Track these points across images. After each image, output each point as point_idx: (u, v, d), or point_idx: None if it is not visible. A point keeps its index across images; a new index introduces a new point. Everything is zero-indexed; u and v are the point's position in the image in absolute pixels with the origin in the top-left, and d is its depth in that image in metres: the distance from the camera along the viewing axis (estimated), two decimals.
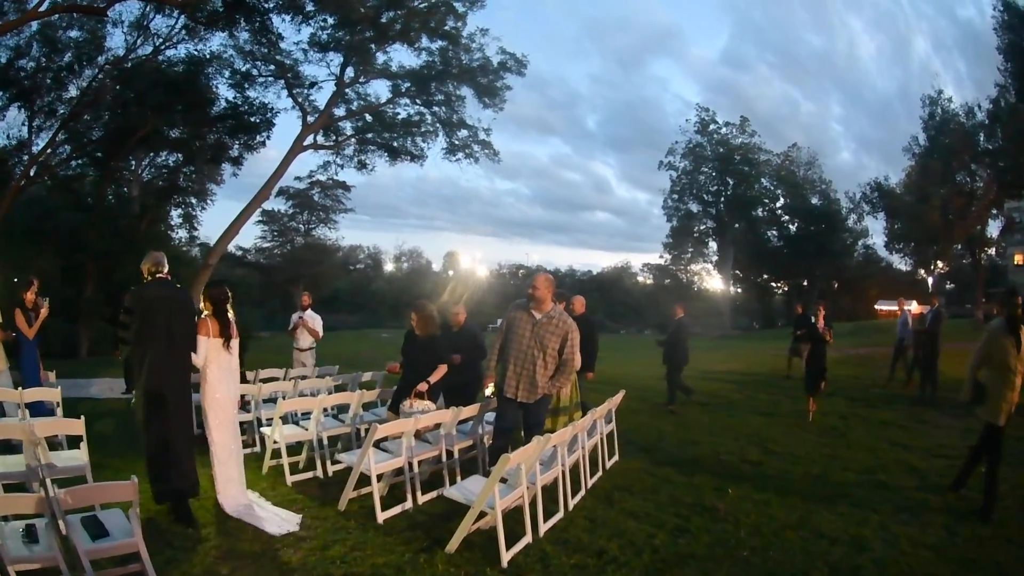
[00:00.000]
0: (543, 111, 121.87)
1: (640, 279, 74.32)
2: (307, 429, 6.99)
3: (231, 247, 34.26)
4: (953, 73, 79.56)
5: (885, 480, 7.08)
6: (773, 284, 61.71)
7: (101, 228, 25.80)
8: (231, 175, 30.77)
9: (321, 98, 27.94)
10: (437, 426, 6.36)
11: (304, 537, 5.01)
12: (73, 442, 5.92)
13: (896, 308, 15.68)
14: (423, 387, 6.68)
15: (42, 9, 19.03)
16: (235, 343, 5.64)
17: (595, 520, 5.57)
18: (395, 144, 28.73)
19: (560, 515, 5.53)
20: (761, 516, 5.77)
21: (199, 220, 37.29)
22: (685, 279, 62.61)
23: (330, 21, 24.90)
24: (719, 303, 57.71)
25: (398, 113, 28.46)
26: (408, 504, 5.67)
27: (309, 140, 27.14)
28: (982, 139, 33.48)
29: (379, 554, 4.71)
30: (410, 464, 5.80)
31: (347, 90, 27.15)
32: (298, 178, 42.50)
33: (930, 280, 44.81)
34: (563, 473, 5.68)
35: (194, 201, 35.63)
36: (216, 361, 5.48)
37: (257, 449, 7.62)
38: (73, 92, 24.15)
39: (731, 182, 54.16)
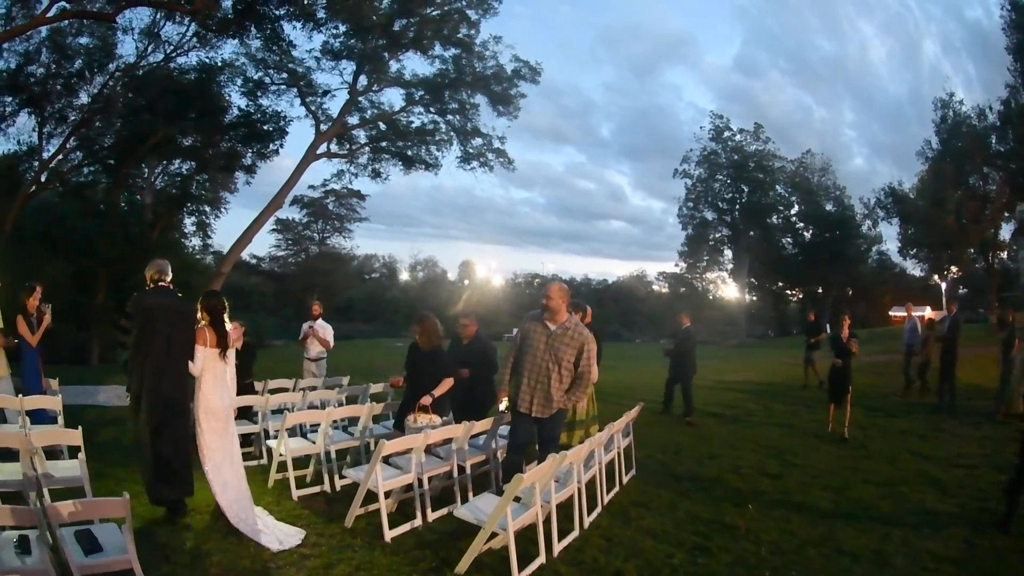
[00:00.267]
0: (557, 120, 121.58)
1: (656, 288, 74.00)
2: (315, 442, 6.81)
3: (246, 256, 34.42)
4: (963, 76, 78.79)
5: (906, 492, 6.93)
6: (788, 292, 61.30)
7: (113, 235, 25.86)
8: (244, 183, 31.01)
9: (334, 106, 28.04)
10: (448, 441, 6.13)
11: (307, 555, 4.83)
12: (75, 452, 5.78)
13: (904, 314, 15.34)
14: (426, 400, 6.41)
15: (50, 14, 19.11)
16: (231, 353, 5.65)
17: (611, 539, 5.35)
18: (409, 153, 28.79)
19: (575, 534, 5.31)
20: (782, 533, 5.60)
21: (213, 228, 37.20)
22: (701, 287, 62.27)
23: (342, 29, 24.91)
24: (734, 311, 57.33)
25: (412, 122, 28.61)
26: (417, 521, 5.47)
27: (323, 148, 27.22)
28: (994, 141, 33.36)
29: (385, 574, 4.53)
30: (420, 480, 5.60)
31: (360, 98, 27.25)
32: (312, 187, 42.71)
33: (943, 285, 44.47)
34: (579, 490, 5.46)
35: (208, 209, 35.49)
36: (211, 370, 5.47)
37: (264, 461, 7.42)
38: (84, 99, 24.36)
39: (746, 189, 53.77)
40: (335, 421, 7.33)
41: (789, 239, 57.34)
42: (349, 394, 9.57)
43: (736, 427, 10.83)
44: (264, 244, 62.64)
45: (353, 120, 27.96)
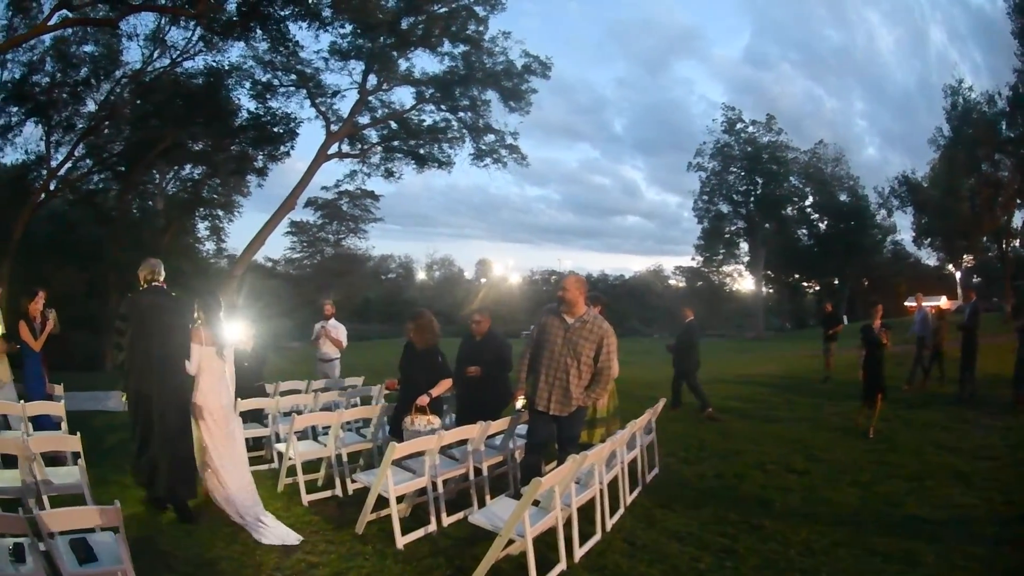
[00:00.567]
0: (570, 116, 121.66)
1: (672, 282, 73.60)
2: (326, 445, 6.59)
3: (261, 259, 34.37)
4: (970, 63, 78.54)
5: (932, 487, 6.70)
6: (804, 284, 60.88)
7: (124, 241, 25.76)
8: (256, 186, 31.06)
9: (344, 107, 27.99)
10: (464, 442, 5.88)
11: (316, 563, 4.64)
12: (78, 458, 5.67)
13: (914, 304, 14.95)
14: (423, 400, 6.11)
15: (52, 23, 19.10)
16: (229, 352, 5.74)
17: (635, 543, 5.12)
18: (421, 151, 28.75)
19: (597, 538, 5.07)
20: (811, 532, 5.36)
21: (226, 232, 37.36)
22: (717, 281, 61.86)
23: (348, 28, 24.82)
24: (751, 304, 57.00)
25: (423, 120, 28.57)
26: (431, 527, 5.25)
27: (334, 149, 27.26)
28: (1004, 127, 33.02)
29: None
30: (434, 483, 5.37)
31: (370, 98, 27.24)
32: (325, 188, 42.65)
33: (958, 275, 44.03)
34: (600, 492, 5.21)
35: (221, 213, 35.55)
36: (209, 369, 5.54)
37: (275, 465, 7.20)
38: (91, 106, 24.38)
39: (760, 181, 53.35)
40: (348, 423, 7.11)
41: (804, 230, 57.11)
42: (363, 395, 9.34)
43: (759, 421, 10.57)
44: (279, 247, 62.73)
45: (364, 120, 27.97)
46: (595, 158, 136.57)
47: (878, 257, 55.90)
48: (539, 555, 4.30)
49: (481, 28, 25.98)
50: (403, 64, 26.82)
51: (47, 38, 21.46)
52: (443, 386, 6.40)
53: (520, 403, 5.91)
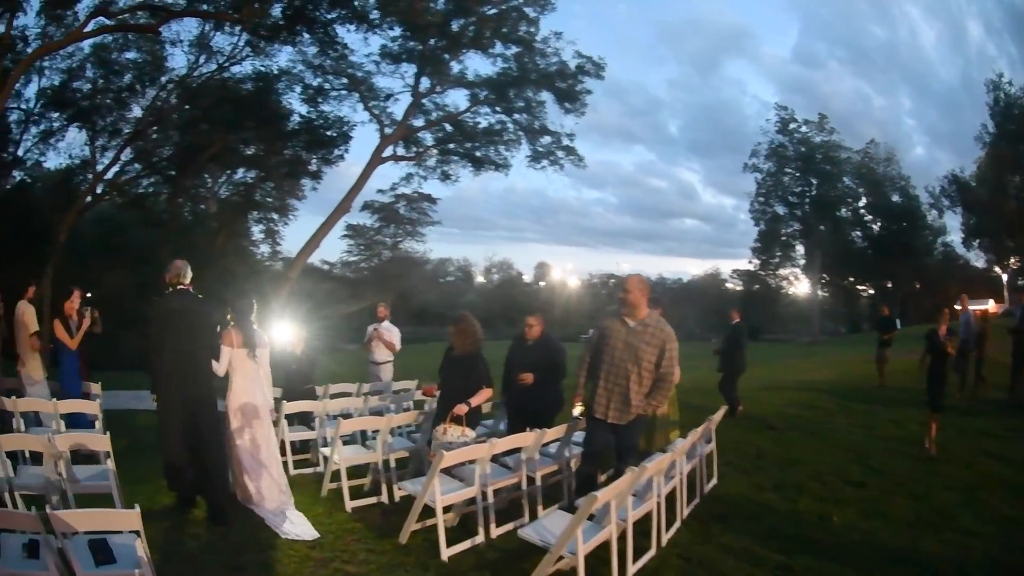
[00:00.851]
0: (625, 119, 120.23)
1: (729, 285, 72.66)
2: (374, 450, 6.43)
3: (317, 262, 34.70)
4: (1007, 56, 75.60)
5: (984, 498, 6.48)
6: (859, 287, 59.56)
7: (175, 244, 26.14)
8: (311, 189, 31.41)
9: (398, 110, 27.96)
10: (517, 450, 5.65)
11: (353, 574, 4.51)
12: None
13: (959, 307, 14.20)
14: (461, 409, 5.71)
15: (88, 29, 19.25)
16: (263, 353, 5.86)
17: (690, 559, 4.89)
18: (478, 153, 28.73)
19: (652, 553, 4.83)
20: (865, 547, 5.20)
21: (281, 235, 37.87)
22: (774, 284, 60.93)
23: (397, 31, 24.87)
24: (806, 308, 56.04)
25: (478, 122, 28.50)
26: (479, 538, 5.06)
27: (388, 152, 27.39)
28: None
29: None
30: (484, 493, 5.17)
31: (424, 100, 27.32)
32: (381, 191, 42.97)
33: (1004, 277, 42.68)
34: (658, 505, 4.97)
35: (275, 216, 36.08)
36: (241, 370, 5.67)
37: (320, 469, 7.07)
38: (137, 111, 24.77)
39: (815, 182, 52.81)
40: (398, 427, 6.96)
41: (858, 232, 56.16)
42: (415, 399, 9.18)
43: (816, 429, 10.21)
44: (336, 250, 63.20)
45: (418, 122, 28.00)
46: (651, 160, 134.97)
47: (929, 259, 54.58)
48: (590, 570, 4.10)
49: (532, 29, 25.84)
50: (456, 66, 26.83)
51: (86, 45, 21.89)
52: (483, 395, 6.03)
53: (578, 410, 5.67)
